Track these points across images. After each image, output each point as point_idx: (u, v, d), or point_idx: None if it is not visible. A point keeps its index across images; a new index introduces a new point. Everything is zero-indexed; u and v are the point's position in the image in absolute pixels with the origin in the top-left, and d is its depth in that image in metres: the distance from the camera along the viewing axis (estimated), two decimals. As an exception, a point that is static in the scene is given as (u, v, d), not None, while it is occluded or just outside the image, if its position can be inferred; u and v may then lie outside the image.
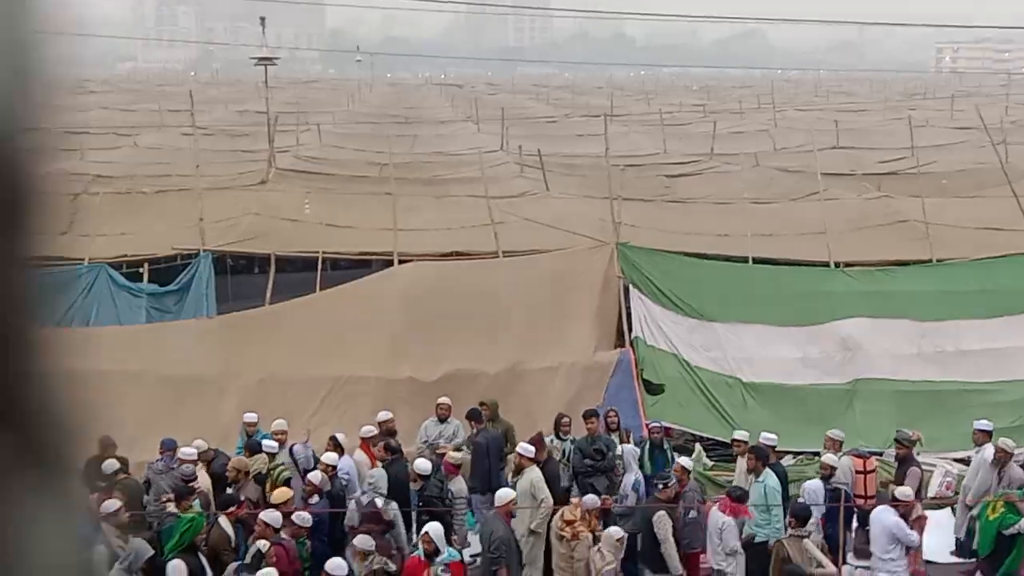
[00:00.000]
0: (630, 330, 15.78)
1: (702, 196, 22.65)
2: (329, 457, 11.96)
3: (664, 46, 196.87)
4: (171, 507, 10.90)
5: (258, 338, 15.39)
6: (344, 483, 11.88)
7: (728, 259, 17.80)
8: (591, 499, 11.06)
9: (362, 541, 10.33)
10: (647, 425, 13.74)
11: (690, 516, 11.08)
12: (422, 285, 16.27)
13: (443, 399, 13.53)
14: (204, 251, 16.89)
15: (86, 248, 17.07)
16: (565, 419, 12.95)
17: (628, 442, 13.12)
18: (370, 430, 12.61)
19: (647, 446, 13.00)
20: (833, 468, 11.66)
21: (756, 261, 17.50)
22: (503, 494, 10.84)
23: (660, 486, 11.10)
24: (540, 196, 21.62)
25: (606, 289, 16.22)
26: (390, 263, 17.07)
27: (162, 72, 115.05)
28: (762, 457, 11.52)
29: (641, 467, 12.57)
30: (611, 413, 13.44)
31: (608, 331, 15.99)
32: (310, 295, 16.45)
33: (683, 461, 11.79)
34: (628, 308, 15.99)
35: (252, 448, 12.41)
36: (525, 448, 11.64)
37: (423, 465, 11.66)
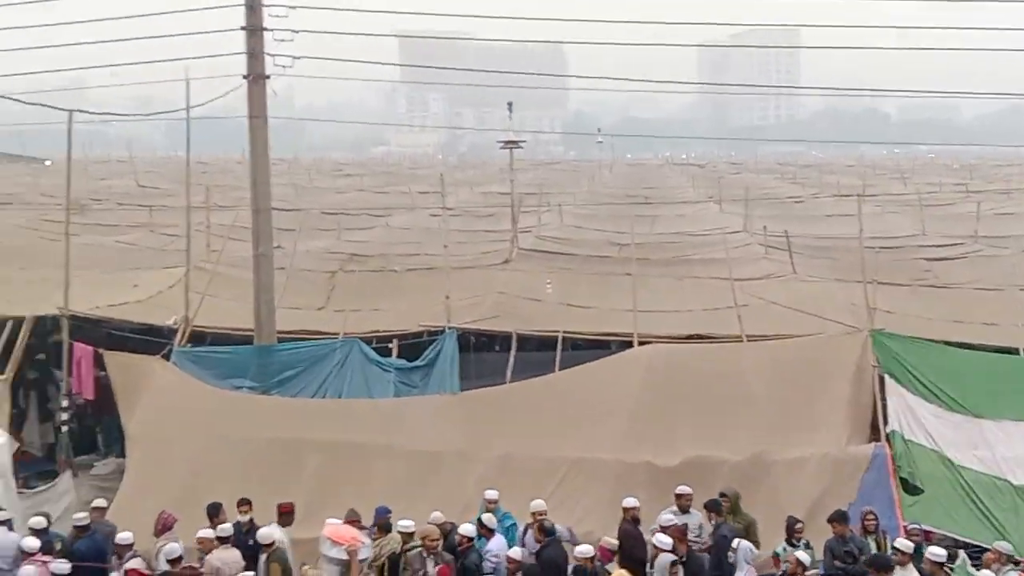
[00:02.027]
0: (886, 423, 14.86)
1: (966, 281, 21.34)
2: (466, 529, 12.02)
3: (921, 121, 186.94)
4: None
5: (499, 416, 15.55)
6: (492, 565, 11.82)
7: (997, 350, 16.54)
8: None
9: None
10: (905, 527, 12.76)
11: None
12: (662, 368, 15.97)
13: (684, 488, 13.06)
14: (449, 328, 17.35)
15: (341, 323, 17.97)
16: (799, 524, 12.23)
17: (885, 546, 12.32)
18: (670, 519, 12.14)
19: (903, 550, 12.04)
20: None
21: (1030, 353, 16.16)
22: None
23: None
24: (786, 279, 20.93)
25: (859, 378, 15.37)
26: (629, 344, 16.91)
27: (413, 155, 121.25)
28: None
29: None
30: (869, 515, 12.63)
31: (861, 423, 15.06)
32: (549, 375, 16.49)
33: (800, 555, 11.13)
34: (883, 399, 15.08)
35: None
36: (661, 540, 11.30)
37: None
